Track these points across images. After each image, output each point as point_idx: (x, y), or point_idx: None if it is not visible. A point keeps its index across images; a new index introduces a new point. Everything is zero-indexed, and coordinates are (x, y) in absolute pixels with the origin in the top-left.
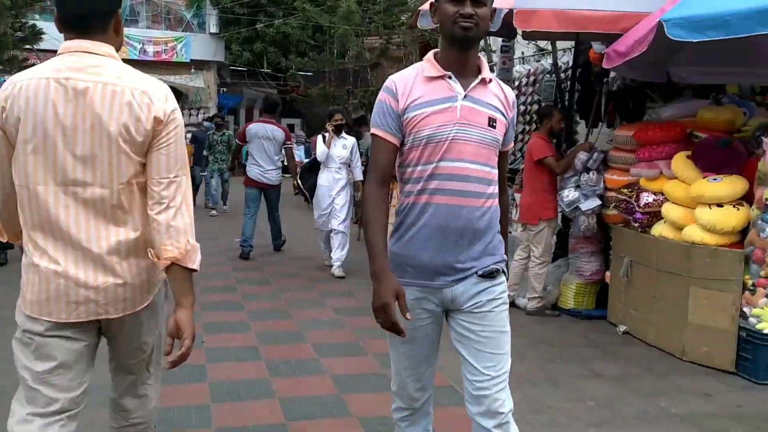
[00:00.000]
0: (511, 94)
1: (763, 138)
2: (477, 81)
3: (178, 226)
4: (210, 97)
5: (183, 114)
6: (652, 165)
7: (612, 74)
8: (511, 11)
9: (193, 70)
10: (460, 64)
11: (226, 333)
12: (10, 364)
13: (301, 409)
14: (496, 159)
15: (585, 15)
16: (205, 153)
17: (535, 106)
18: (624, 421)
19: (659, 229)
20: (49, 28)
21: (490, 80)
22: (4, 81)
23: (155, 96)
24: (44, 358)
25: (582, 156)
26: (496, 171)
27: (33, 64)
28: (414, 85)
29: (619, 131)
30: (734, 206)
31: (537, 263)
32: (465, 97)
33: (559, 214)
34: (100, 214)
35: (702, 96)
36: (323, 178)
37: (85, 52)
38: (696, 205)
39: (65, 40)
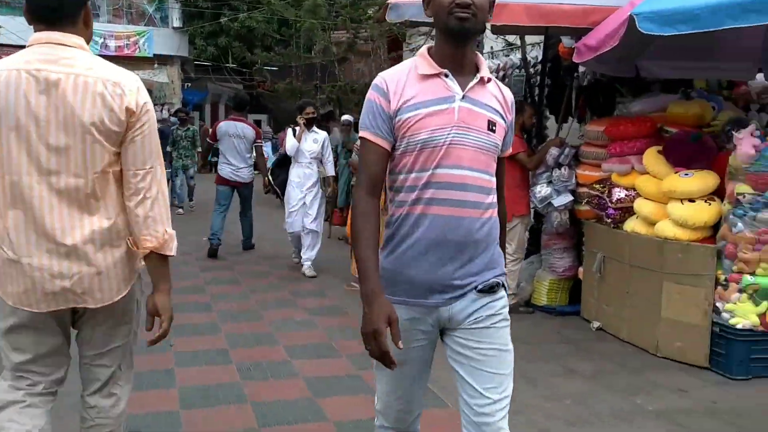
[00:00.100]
0: (510, 95)
1: (733, 132)
2: (476, 80)
3: (155, 217)
4: (174, 93)
5: None
6: (624, 160)
7: (582, 69)
8: None
9: (156, 65)
10: (457, 60)
11: (195, 335)
12: None
13: (275, 414)
14: (495, 166)
15: (555, 9)
16: (168, 149)
17: None
18: (601, 419)
19: (632, 225)
20: (6, 22)
21: (489, 80)
22: None
23: (127, 87)
24: (23, 349)
25: (554, 151)
26: (494, 179)
27: None
28: (407, 84)
29: (590, 126)
30: (706, 201)
31: (510, 260)
32: (463, 97)
33: (532, 211)
34: (74, 203)
35: (670, 90)
36: (294, 174)
37: (55, 43)
38: (668, 201)
39: (35, 32)
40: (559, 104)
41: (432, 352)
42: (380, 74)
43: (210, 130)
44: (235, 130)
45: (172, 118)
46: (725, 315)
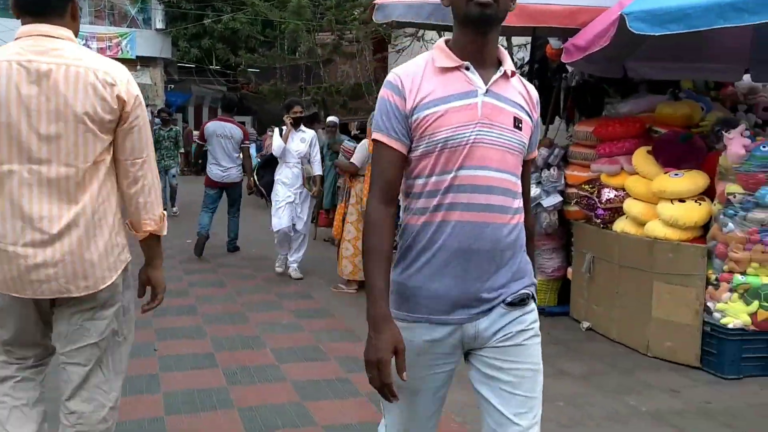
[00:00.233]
0: (535, 92)
1: (723, 133)
2: (499, 74)
3: (153, 201)
4: (157, 95)
5: None
6: (613, 161)
7: (570, 69)
8: None
9: (138, 67)
10: (478, 52)
11: (179, 339)
12: None
13: (262, 419)
14: (521, 167)
15: (543, 9)
16: None
17: None
18: (596, 422)
19: (621, 225)
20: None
21: (513, 73)
22: None
23: (117, 77)
24: (8, 328)
25: (542, 152)
26: (520, 182)
27: None
28: (424, 79)
29: (578, 127)
30: (696, 201)
31: None
32: (486, 92)
33: None
34: (63, 192)
35: (656, 91)
36: (282, 174)
37: (44, 35)
38: (658, 201)
39: (22, 24)
40: (547, 105)
41: (449, 384)
42: (393, 70)
43: (193, 132)
44: (222, 131)
45: (156, 120)
46: (716, 315)
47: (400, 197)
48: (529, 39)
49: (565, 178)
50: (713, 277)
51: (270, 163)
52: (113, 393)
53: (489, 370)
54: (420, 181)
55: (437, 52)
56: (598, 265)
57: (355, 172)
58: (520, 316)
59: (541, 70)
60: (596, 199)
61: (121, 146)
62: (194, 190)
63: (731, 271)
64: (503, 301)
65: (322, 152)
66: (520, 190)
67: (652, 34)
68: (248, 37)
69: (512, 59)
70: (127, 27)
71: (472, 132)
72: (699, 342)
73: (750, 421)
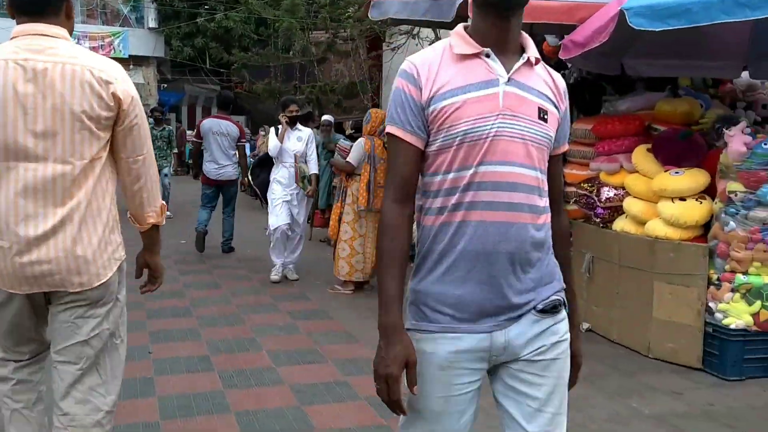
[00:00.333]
0: (562, 81)
1: (724, 130)
2: (522, 61)
3: (154, 194)
4: (150, 94)
5: None
6: (612, 159)
7: (569, 66)
8: (466, 2)
9: (131, 66)
10: (500, 38)
11: (174, 342)
12: None
13: (260, 424)
14: (547, 163)
15: (541, 5)
16: None
17: None
18: (597, 424)
19: (621, 224)
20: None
21: (537, 61)
22: None
23: (113, 75)
24: (2, 324)
25: None
26: (546, 178)
27: None
28: (441, 67)
29: (577, 125)
30: (697, 199)
31: None
32: (509, 80)
33: None
34: (58, 189)
35: (654, 88)
36: (279, 174)
37: (40, 34)
38: (658, 199)
39: (17, 24)
40: None
41: (476, 410)
42: (408, 58)
43: (186, 131)
44: (218, 128)
45: (149, 119)
46: (718, 315)
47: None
48: None
49: (564, 176)
50: (715, 276)
51: (265, 163)
52: (110, 397)
53: (518, 384)
54: (437, 178)
55: (456, 38)
56: (597, 265)
57: (352, 171)
58: (553, 325)
59: None
60: (595, 198)
61: (122, 145)
62: (188, 190)
63: (733, 271)
64: (534, 308)
65: (317, 152)
66: (546, 188)
67: (652, 29)
68: (242, 36)
69: None
70: (120, 26)
71: (493, 124)
72: (701, 343)
73: (752, 423)
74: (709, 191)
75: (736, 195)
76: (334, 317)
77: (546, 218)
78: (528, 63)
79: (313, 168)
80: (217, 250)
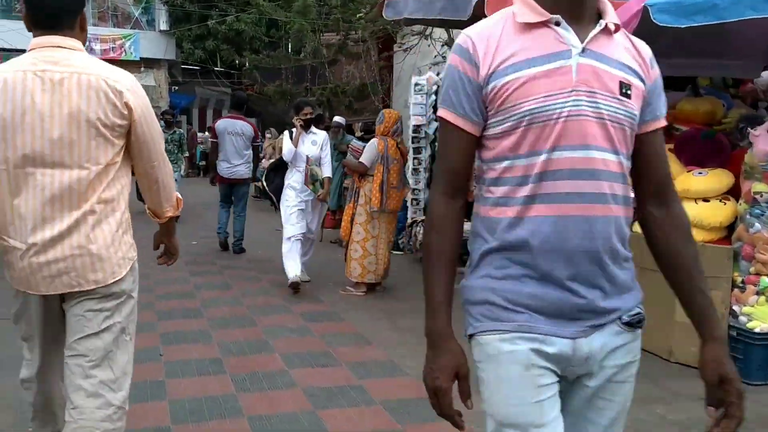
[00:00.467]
0: (647, 49)
1: (749, 130)
2: (599, 28)
3: (170, 192)
4: (161, 97)
5: None
6: None
7: None
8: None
9: (142, 69)
10: (573, 2)
11: (185, 343)
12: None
13: (273, 429)
14: (632, 145)
15: None
16: None
17: None
18: None
19: None
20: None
21: (617, 28)
22: None
23: (126, 85)
24: (27, 324)
25: None
26: (630, 163)
27: None
28: (502, 39)
29: None
30: (721, 201)
31: None
32: (583, 51)
33: None
34: (74, 192)
35: (671, 88)
36: (293, 179)
37: (56, 46)
38: (681, 200)
39: (34, 37)
40: None
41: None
42: (464, 31)
43: (197, 134)
44: (233, 128)
45: (160, 122)
46: (742, 318)
47: (474, 184)
48: None
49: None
50: (739, 279)
51: (279, 168)
52: (121, 392)
53: (587, 410)
54: (500, 165)
55: (520, 5)
56: None
57: (364, 171)
58: (631, 342)
59: None
60: None
61: (138, 154)
62: (199, 192)
63: (758, 274)
64: (619, 318)
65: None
66: (628, 173)
67: (677, 26)
68: (253, 38)
69: None
70: (131, 28)
71: (566, 102)
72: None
73: None
74: (733, 192)
75: (761, 196)
76: (347, 319)
77: (628, 211)
78: (606, 30)
79: (327, 171)
80: (228, 251)
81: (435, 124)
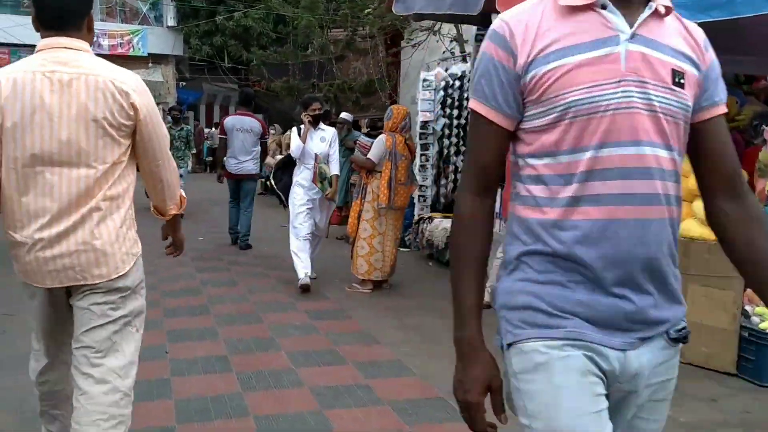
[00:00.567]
0: (700, 32)
1: (764, 127)
2: (648, 11)
3: (174, 190)
4: (169, 92)
5: None
6: None
7: None
8: None
9: (150, 65)
10: None
11: (191, 341)
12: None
13: (280, 429)
14: (685, 139)
15: None
16: None
17: None
18: None
19: None
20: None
21: (668, 10)
22: None
23: (132, 87)
24: (36, 316)
25: None
26: (682, 160)
27: None
28: (542, 23)
29: None
30: None
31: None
32: (632, 37)
33: None
34: (82, 191)
35: None
36: (301, 176)
37: (64, 47)
38: (693, 198)
39: (42, 38)
40: None
41: None
42: (500, 15)
43: (204, 130)
44: (242, 125)
45: (167, 117)
46: (755, 319)
47: (513, 182)
48: None
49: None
50: None
51: (287, 165)
52: (128, 380)
53: (624, 426)
54: (539, 162)
55: None
56: None
57: (372, 168)
58: (673, 358)
59: None
60: None
61: (143, 153)
62: (206, 188)
63: None
64: (667, 332)
65: None
66: (680, 170)
67: (693, 21)
68: (260, 34)
69: None
70: (139, 24)
71: (614, 93)
72: (736, 348)
73: None
74: None
75: None
76: (353, 317)
77: (679, 213)
78: (656, 13)
79: (334, 169)
80: (234, 246)
81: (443, 120)
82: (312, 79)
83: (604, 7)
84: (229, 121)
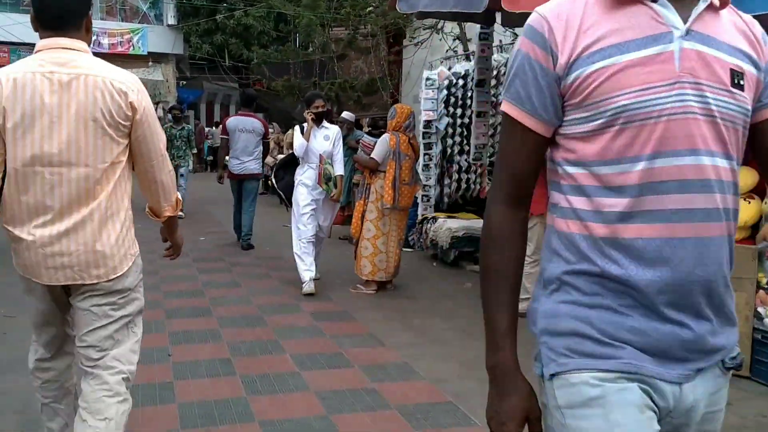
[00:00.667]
0: (757, 25)
1: None
2: (703, 5)
3: (169, 191)
4: (169, 91)
5: None
6: None
7: None
8: None
9: (150, 63)
10: None
11: (194, 343)
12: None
13: None
14: (743, 145)
15: None
16: None
17: None
18: None
19: None
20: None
21: (724, 3)
22: None
23: (130, 87)
24: (33, 309)
25: None
26: (738, 169)
27: None
28: (586, 18)
29: None
30: (745, 199)
31: (528, 262)
32: (687, 33)
33: None
34: (82, 190)
35: None
36: (305, 176)
37: (63, 48)
38: None
39: (41, 38)
40: None
41: None
42: (537, 9)
43: (205, 129)
44: (244, 126)
45: (168, 116)
46: (767, 321)
47: (549, 191)
48: None
49: None
50: (764, 280)
51: (288, 165)
52: (131, 366)
53: None
54: (583, 172)
55: None
56: None
57: (376, 167)
58: (725, 387)
59: None
60: None
61: (138, 151)
62: (207, 187)
63: None
64: (722, 361)
65: None
66: (738, 181)
67: None
68: (261, 33)
69: None
70: (139, 23)
71: (668, 96)
72: (749, 350)
73: None
74: (758, 190)
75: None
76: (358, 318)
77: (735, 228)
78: (711, 7)
79: (338, 169)
80: (236, 248)
81: (446, 120)
82: (313, 78)
83: (654, 0)
84: (232, 121)
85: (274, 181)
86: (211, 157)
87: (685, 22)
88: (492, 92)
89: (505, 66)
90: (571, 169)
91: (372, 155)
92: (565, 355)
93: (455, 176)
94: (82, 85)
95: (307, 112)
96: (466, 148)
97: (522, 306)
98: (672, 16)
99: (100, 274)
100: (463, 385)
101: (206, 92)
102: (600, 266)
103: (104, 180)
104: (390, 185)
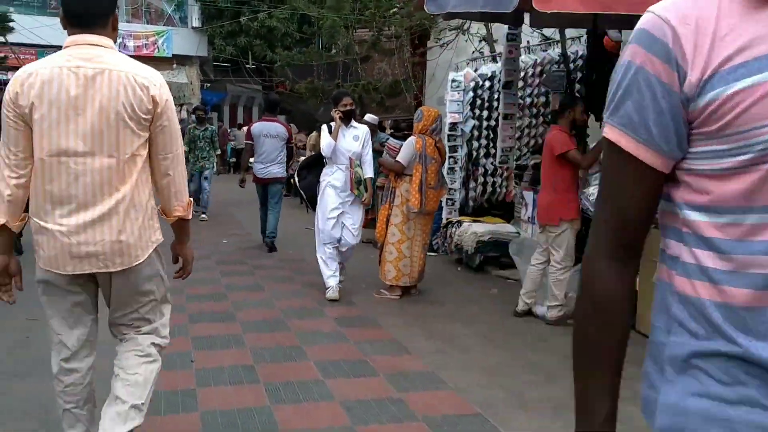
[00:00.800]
0: None
1: None
2: None
3: (181, 190)
4: (193, 93)
5: None
6: None
7: None
8: None
9: (175, 66)
10: None
11: (217, 349)
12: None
13: None
14: None
15: None
16: (184, 149)
17: (542, 98)
18: None
19: None
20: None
21: None
22: None
23: (152, 82)
24: (55, 307)
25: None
26: None
27: (5, 57)
28: (721, 21)
29: None
30: None
31: (558, 268)
32: None
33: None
34: (105, 181)
35: None
36: (333, 177)
37: (90, 44)
38: None
39: (69, 35)
40: (604, 101)
41: None
42: (654, 8)
43: (228, 131)
44: (269, 131)
45: (192, 117)
46: None
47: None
48: (582, 32)
49: None
50: None
51: (312, 165)
52: (162, 338)
53: None
54: (713, 220)
55: None
56: (649, 266)
57: (401, 171)
58: None
59: (597, 65)
60: None
61: (154, 143)
62: (230, 189)
63: None
64: None
65: None
66: None
67: None
68: (285, 35)
69: (566, 53)
70: (164, 25)
71: None
72: None
73: None
74: None
75: None
76: (382, 324)
77: None
78: None
79: (368, 172)
80: (259, 250)
81: (472, 122)
82: (336, 80)
83: None
84: (256, 127)
85: (296, 179)
86: (234, 159)
87: None
88: (519, 94)
89: (533, 67)
90: (696, 215)
91: (398, 158)
92: None
93: (481, 179)
94: (106, 79)
95: (335, 111)
96: (492, 151)
97: (551, 313)
98: None
99: (123, 261)
100: (488, 394)
101: (230, 94)
102: (741, 345)
103: (127, 172)
104: (417, 189)
